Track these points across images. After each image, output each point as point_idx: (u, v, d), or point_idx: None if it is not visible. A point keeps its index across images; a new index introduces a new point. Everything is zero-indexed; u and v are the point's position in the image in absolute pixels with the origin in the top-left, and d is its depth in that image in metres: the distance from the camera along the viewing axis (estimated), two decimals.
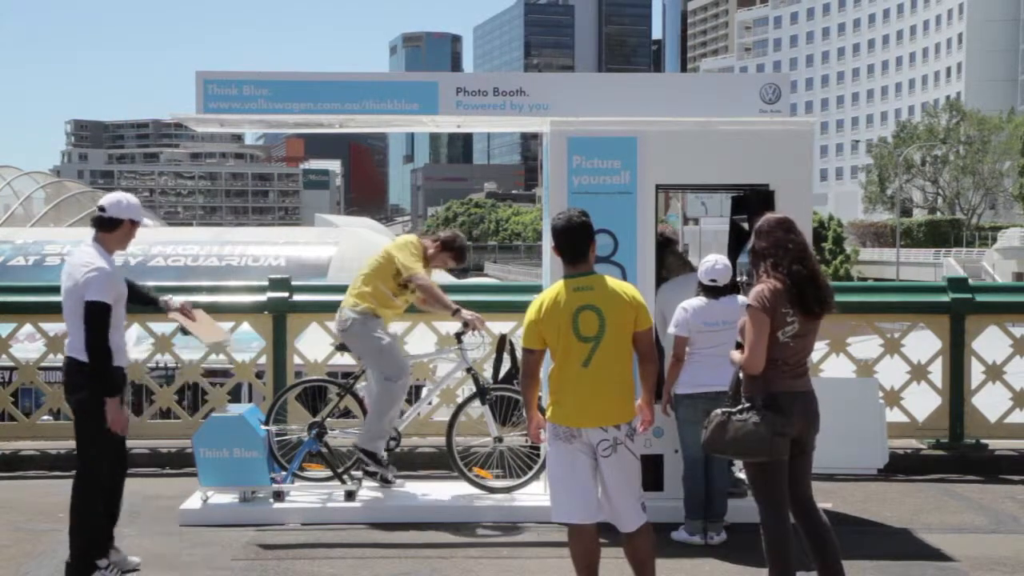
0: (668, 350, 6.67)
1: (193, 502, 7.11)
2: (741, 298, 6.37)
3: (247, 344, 9.43)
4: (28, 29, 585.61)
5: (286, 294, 8.86)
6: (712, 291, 6.54)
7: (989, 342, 8.84)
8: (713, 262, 6.57)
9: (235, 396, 9.73)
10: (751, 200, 7.09)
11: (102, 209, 5.84)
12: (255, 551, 6.35)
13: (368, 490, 7.33)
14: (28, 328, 9.25)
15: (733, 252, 7.48)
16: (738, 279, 7.19)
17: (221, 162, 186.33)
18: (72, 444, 8.85)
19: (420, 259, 7.23)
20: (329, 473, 7.40)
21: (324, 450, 7.38)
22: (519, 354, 6.20)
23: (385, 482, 7.38)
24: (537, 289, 7.48)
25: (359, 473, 7.42)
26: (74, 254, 5.82)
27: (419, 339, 8.63)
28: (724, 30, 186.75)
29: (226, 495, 7.14)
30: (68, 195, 37.16)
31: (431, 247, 7.41)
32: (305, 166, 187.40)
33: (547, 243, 7.19)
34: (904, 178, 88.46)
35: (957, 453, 8.62)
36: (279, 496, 7.12)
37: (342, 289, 7.61)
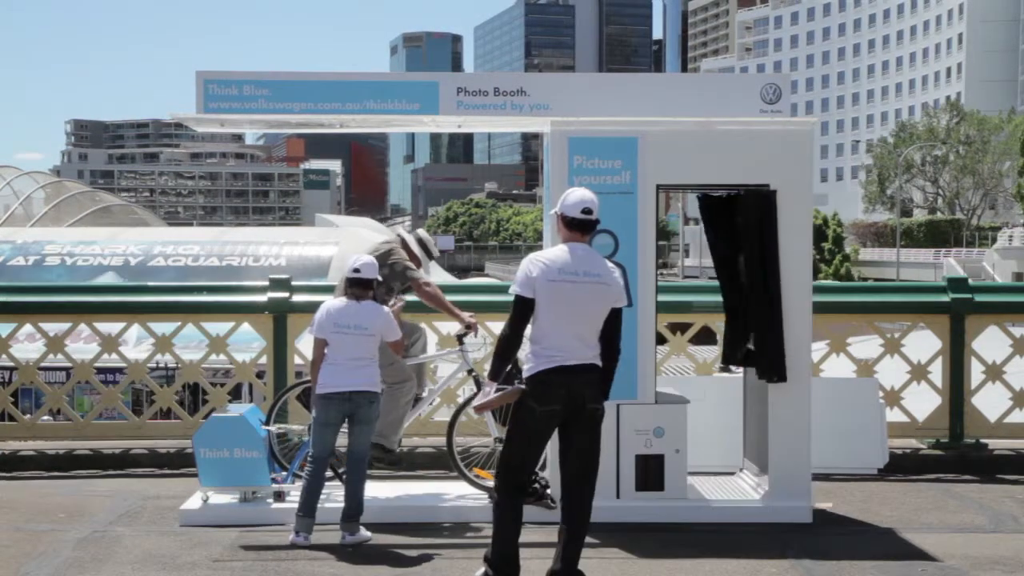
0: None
1: (193, 502, 7.11)
2: (384, 308, 6.66)
3: (247, 344, 9.44)
4: (28, 29, 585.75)
5: (286, 294, 8.86)
6: (355, 289, 6.59)
7: (989, 342, 8.84)
8: (355, 258, 6.70)
9: (235, 396, 9.73)
10: (740, 201, 7.08)
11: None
12: (255, 551, 6.35)
13: (369, 491, 7.33)
14: (28, 328, 9.25)
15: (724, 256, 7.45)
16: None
17: (221, 162, 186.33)
18: (72, 444, 8.90)
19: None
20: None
21: None
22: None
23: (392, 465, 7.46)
24: None
25: None
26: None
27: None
28: (724, 30, 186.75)
29: (226, 495, 7.14)
30: (68, 195, 37.11)
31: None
32: (305, 166, 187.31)
33: (547, 243, 7.19)
34: (904, 178, 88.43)
35: (957, 453, 8.62)
36: (280, 496, 7.12)
37: None
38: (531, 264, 5.33)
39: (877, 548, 6.44)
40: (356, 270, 6.62)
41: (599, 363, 5.37)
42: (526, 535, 5.58)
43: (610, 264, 5.46)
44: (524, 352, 5.45)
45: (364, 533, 6.53)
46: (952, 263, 59.43)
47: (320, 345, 6.63)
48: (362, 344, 6.57)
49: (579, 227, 5.43)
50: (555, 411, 5.28)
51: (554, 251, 5.42)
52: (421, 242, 7.59)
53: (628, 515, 6.89)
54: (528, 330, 5.39)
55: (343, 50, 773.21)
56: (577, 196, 5.47)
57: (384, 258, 7.17)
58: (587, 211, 5.41)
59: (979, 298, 8.79)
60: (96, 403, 9.84)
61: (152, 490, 7.86)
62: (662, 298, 7.40)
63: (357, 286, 6.63)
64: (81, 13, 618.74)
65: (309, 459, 6.68)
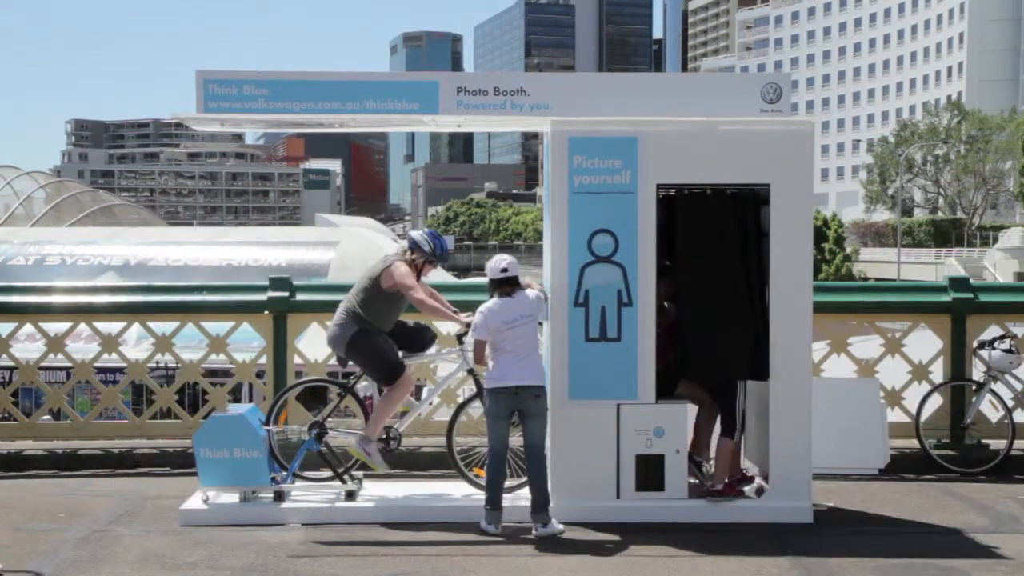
0: None
1: (194, 502, 7.10)
2: (530, 292, 6.85)
3: (247, 344, 9.43)
4: (28, 29, 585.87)
5: (287, 293, 8.85)
6: (504, 287, 6.83)
7: None
8: (498, 260, 6.96)
9: (235, 396, 9.72)
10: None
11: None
12: (255, 551, 6.34)
13: (368, 490, 7.33)
14: (28, 328, 9.25)
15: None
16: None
17: (221, 162, 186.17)
18: (74, 444, 8.88)
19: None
20: (329, 473, 7.39)
21: (324, 450, 7.38)
22: None
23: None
24: None
25: (360, 473, 7.42)
26: None
27: None
28: (725, 29, 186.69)
29: (227, 495, 7.13)
30: (68, 195, 37.18)
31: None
32: (305, 166, 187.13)
33: (547, 243, 7.20)
34: (905, 177, 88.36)
35: (958, 453, 8.60)
36: (279, 496, 7.12)
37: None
38: None
39: (878, 548, 6.43)
40: (504, 270, 6.86)
41: None
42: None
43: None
44: None
45: (556, 525, 6.59)
46: (953, 263, 59.37)
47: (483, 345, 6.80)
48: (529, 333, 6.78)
49: None
50: None
51: None
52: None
53: (628, 515, 6.88)
54: None
55: (343, 50, 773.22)
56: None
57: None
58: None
59: (980, 298, 8.79)
60: (96, 403, 9.83)
61: (152, 490, 7.86)
62: None
63: (507, 284, 6.84)
64: (81, 13, 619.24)
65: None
